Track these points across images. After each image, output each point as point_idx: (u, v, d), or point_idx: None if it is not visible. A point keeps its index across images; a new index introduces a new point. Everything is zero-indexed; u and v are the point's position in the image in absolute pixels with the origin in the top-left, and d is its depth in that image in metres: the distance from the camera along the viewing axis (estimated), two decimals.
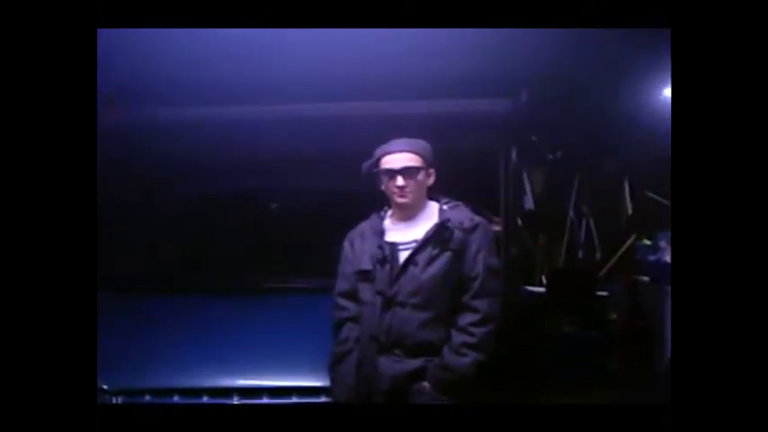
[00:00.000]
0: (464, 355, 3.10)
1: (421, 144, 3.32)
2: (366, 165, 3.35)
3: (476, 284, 3.18)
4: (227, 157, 5.61)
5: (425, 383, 3.14)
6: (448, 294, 3.18)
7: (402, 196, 3.25)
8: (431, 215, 3.31)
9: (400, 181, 3.23)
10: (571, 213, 7.32)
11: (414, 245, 3.23)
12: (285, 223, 5.09)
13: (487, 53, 4.57)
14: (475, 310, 3.15)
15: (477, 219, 3.30)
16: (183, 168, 5.59)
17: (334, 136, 5.55)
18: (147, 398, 3.48)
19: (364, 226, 3.43)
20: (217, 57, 4.53)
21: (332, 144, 5.48)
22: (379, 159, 3.31)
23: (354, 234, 3.44)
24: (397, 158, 3.26)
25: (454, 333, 3.15)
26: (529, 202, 7.31)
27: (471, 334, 3.12)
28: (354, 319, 3.32)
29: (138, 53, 4.03)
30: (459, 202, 3.38)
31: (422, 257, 3.20)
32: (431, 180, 3.34)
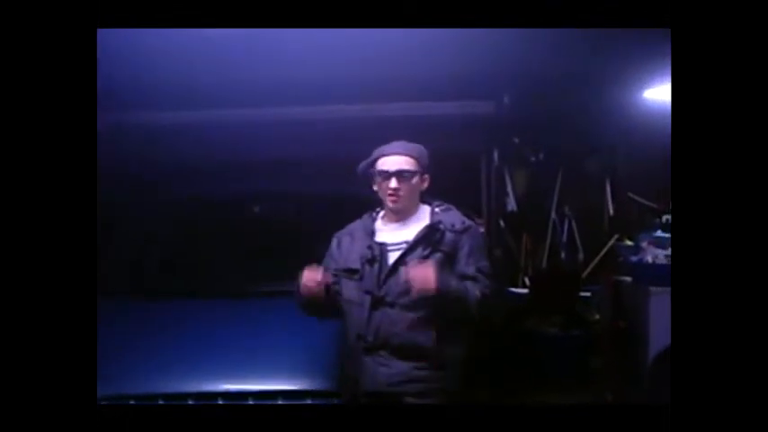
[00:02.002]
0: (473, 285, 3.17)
1: (418, 148, 3.33)
2: (362, 165, 3.37)
3: None
4: (213, 161, 5.60)
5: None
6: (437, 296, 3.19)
7: (394, 201, 3.27)
8: (422, 217, 3.33)
9: (394, 183, 3.24)
10: (553, 215, 7.34)
11: (404, 246, 3.25)
12: (271, 227, 5.08)
13: (470, 55, 4.58)
14: None
15: (468, 222, 3.34)
16: (168, 172, 5.57)
17: (320, 139, 5.56)
18: (132, 403, 3.46)
19: (355, 225, 3.44)
20: (202, 61, 4.51)
21: (317, 147, 5.49)
22: (375, 160, 3.32)
23: (343, 233, 3.46)
24: (393, 161, 3.27)
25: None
26: (511, 204, 7.34)
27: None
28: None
29: (120, 57, 3.99)
30: (452, 206, 3.40)
31: (412, 258, 3.21)
32: (425, 185, 3.36)
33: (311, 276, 3.25)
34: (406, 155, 3.28)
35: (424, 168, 3.31)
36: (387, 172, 3.25)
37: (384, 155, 3.30)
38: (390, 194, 3.26)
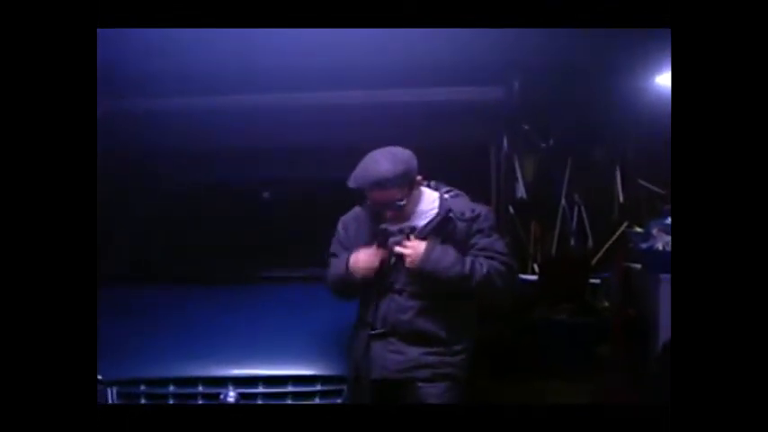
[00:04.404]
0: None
1: (399, 171, 3.12)
2: (350, 184, 3.20)
3: None
4: (216, 147, 5.59)
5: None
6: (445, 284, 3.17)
7: (392, 219, 3.22)
8: (429, 203, 3.27)
9: (385, 212, 3.20)
10: (563, 201, 7.32)
11: (409, 230, 3.18)
12: (276, 213, 5.08)
13: (480, 41, 4.55)
14: None
15: (478, 209, 3.26)
16: (172, 159, 5.57)
17: (324, 125, 5.55)
18: (143, 387, 3.49)
19: (360, 210, 3.38)
20: (203, 47, 4.51)
21: (322, 133, 5.48)
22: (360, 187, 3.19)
23: (349, 218, 3.41)
24: (375, 196, 3.16)
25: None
26: (521, 191, 7.31)
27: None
28: None
29: (124, 44, 4.00)
30: (460, 192, 3.35)
31: None
32: (419, 185, 3.26)
33: (369, 258, 3.19)
34: (383, 190, 3.12)
35: (411, 181, 3.18)
36: (373, 205, 3.22)
37: (365, 189, 3.16)
38: (387, 217, 3.23)
